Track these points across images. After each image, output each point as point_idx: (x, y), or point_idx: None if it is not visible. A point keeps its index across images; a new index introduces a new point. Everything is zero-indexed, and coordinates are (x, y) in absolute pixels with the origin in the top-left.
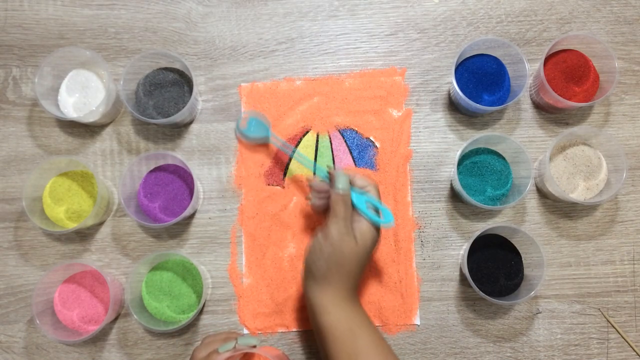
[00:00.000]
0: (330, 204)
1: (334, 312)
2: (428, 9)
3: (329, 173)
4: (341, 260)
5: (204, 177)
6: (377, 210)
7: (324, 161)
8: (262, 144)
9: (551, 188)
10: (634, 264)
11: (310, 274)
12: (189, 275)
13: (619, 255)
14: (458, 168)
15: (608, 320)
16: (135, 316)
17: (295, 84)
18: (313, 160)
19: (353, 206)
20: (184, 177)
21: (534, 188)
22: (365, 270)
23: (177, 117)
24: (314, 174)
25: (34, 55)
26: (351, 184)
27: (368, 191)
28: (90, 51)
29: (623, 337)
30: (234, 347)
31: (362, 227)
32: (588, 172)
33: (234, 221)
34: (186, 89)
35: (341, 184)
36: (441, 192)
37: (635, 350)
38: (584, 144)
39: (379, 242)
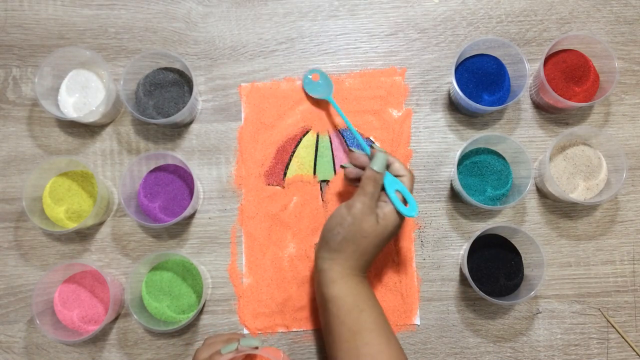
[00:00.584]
0: (361, 179)
1: (341, 285)
2: (428, 9)
3: (371, 149)
4: (358, 236)
5: (204, 177)
6: (405, 200)
7: (325, 161)
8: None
9: (551, 188)
10: (634, 264)
11: (325, 242)
12: (189, 275)
13: (619, 255)
14: (458, 168)
15: (608, 320)
16: (135, 316)
17: (295, 84)
18: (314, 157)
19: (383, 188)
20: (184, 177)
21: (534, 188)
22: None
23: (177, 117)
24: (313, 172)
25: (34, 55)
26: (389, 167)
27: (402, 180)
28: (90, 51)
29: (623, 337)
30: (237, 349)
31: (386, 210)
32: (588, 172)
33: (234, 221)
34: (186, 89)
35: (378, 163)
36: (441, 192)
37: (635, 350)
38: (584, 144)
39: (401, 231)
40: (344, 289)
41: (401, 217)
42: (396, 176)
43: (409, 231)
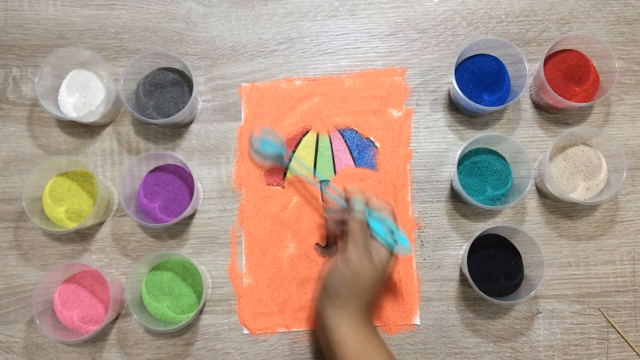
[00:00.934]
0: (348, 230)
1: (349, 337)
2: (428, 9)
3: (345, 192)
4: (360, 285)
5: (204, 177)
6: (392, 233)
7: (325, 161)
8: (276, 163)
9: (551, 188)
10: (634, 264)
11: (327, 296)
12: (189, 275)
13: (619, 255)
14: (458, 168)
15: (608, 320)
16: (135, 316)
17: (295, 84)
18: (314, 157)
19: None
20: (184, 177)
21: (534, 188)
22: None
23: (177, 117)
24: (315, 179)
25: (34, 55)
26: (367, 205)
27: (384, 214)
28: (90, 51)
29: (623, 337)
30: None
31: (380, 253)
32: (588, 172)
33: (234, 221)
34: (186, 89)
35: (358, 210)
36: (441, 192)
37: (635, 350)
38: (584, 144)
39: (395, 265)
40: (353, 343)
41: (392, 252)
42: (377, 210)
43: (409, 231)
